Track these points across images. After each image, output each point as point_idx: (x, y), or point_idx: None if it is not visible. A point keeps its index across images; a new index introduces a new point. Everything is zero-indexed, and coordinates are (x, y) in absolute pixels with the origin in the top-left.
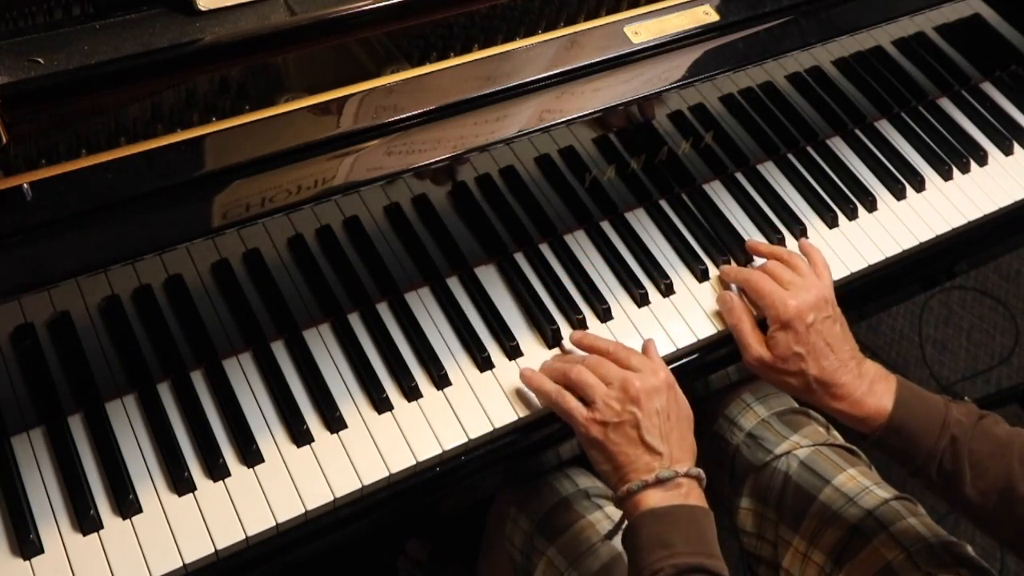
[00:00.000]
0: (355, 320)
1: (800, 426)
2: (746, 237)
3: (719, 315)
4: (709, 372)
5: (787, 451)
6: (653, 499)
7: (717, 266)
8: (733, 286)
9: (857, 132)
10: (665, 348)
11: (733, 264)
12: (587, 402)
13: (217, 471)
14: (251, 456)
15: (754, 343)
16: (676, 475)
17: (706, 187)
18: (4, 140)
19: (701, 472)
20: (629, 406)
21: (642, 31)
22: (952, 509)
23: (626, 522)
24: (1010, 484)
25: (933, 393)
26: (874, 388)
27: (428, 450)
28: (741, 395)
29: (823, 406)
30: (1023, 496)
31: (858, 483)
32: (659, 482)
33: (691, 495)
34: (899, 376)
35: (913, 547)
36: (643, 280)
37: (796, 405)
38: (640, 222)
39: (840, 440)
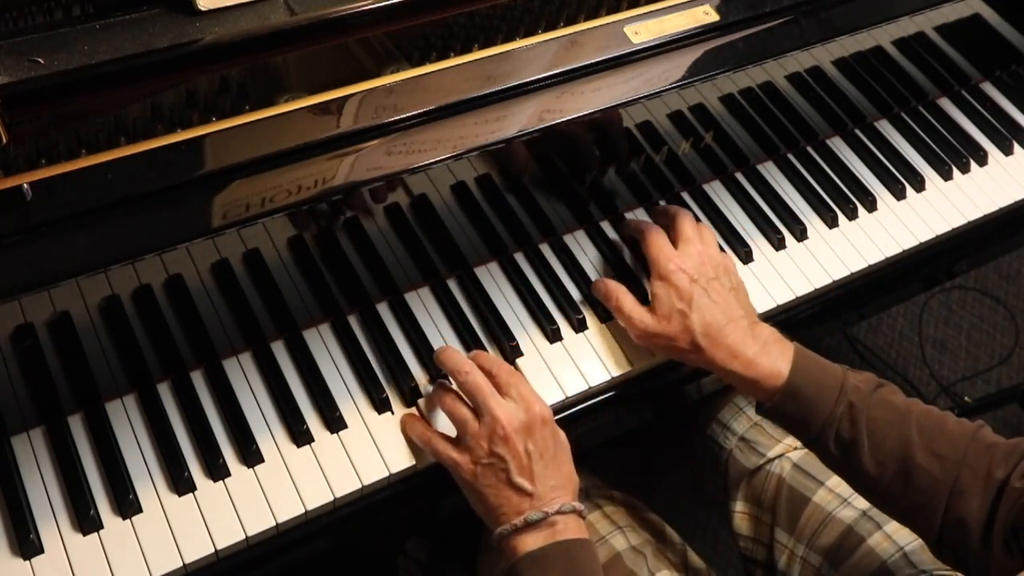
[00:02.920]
0: (355, 320)
1: None
2: (746, 237)
3: None
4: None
5: (780, 454)
6: (527, 542)
7: None
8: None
9: (857, 132)
10: None
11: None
12: (457, 439)
13: (217, 471)
14: (251, 456)
15: (636, 314)
16: (546, 516)
17: (706, 187)
18: (4, 140)
19: (576, 504)
20: (497, 447)
21: (642, 31)
22: (849, 482)
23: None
24: (907, 453)
25: (831, 362)
26: (768, 349)
27: None
28: (734, 399)
29: (717, 369)
30: (920, 465)
31: None
32: (528, 525)
33: (567, 530)
34: (797, 343)
35: (908, 546)
36: (643, 280)
37: None
38: None
39: None
